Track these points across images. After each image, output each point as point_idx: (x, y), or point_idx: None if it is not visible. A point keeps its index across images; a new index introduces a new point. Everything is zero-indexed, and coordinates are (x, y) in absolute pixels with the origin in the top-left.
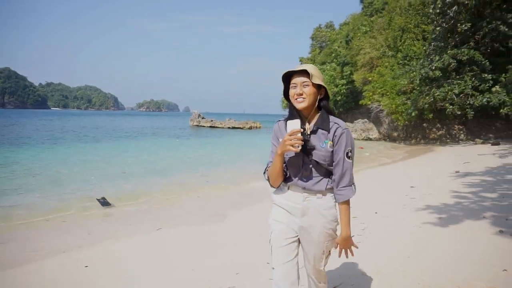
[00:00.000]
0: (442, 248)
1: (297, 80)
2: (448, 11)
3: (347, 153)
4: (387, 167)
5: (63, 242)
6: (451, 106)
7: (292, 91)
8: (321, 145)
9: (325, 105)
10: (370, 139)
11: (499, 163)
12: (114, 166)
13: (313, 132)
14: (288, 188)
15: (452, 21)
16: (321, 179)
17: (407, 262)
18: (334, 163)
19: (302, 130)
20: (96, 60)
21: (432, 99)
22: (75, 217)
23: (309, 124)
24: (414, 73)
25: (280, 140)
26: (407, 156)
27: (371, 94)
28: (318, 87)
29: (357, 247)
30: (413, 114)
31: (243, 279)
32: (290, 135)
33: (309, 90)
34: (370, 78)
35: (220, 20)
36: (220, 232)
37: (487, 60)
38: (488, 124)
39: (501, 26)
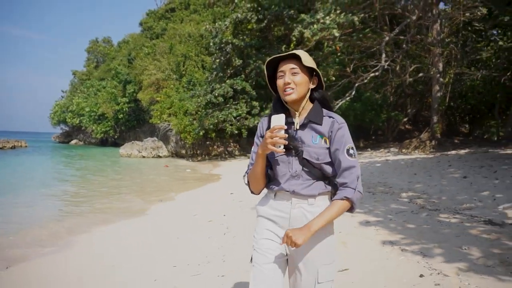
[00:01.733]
0: None
1: (285, 67)
2: (225, 48)
3: (348, 150)
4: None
5: None
6: (230, 127)
7: (279, 81)
8: (313, 141)
9: (319, 96)
10: (160, 157)
11: None
12: None
13: (303, 126)
14: (275, 195)
15: (228, 56)
16: (313, 182)
17: None
18: (335, 164)
19: (285, 126)
20: None
21: (216, 121)
22: None
23: (299, 117)
24: (201, 98)
25: None
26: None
27: (159, 113)
28: (310, 74)
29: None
30: (200, 133)
31: None
32: (271, 132)
33: (299, 79)
34: (158, 99)
35: None
36: None
37: (254, 90)
38: None
39: (261, 65)
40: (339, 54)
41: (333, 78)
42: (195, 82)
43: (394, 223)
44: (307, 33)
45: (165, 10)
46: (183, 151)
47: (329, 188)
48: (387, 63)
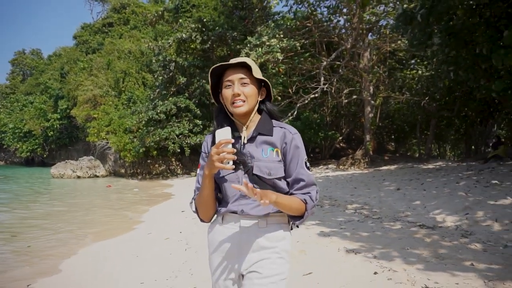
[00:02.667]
0: None
1: (233, 76)
2: (168, 65)
3: (306, 163)
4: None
5: None
6: (173, 144)
7: (227, 91)
8: (264, 154)
9: (267, 108)
10: (97, 176)
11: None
12: None
13: (252, 139)
14: (222, 219)
15: (171, 74)
16: None
17: None
18: (290, 179)
19: (232, 140)
20: None
21: (158, 138)
22: None
23: (247, 130)
24: (142, 114)
25: None
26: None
27: (96, 131)
28: (259, 86)
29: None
30: (141, 151)
31: None
32: (217, 148)
33: (250, 90)
34: (95, 115)
35: None
36: None
37: (198, 109)
38: (197, 160)
39: (205, 84)
40: (282, 75)
41: (279, 98)
42: (135, 100)
43: (346, 231)
44: (253, 55)
45: (102, 24)
46: (123, 170)
47: None
48: (326, 86)
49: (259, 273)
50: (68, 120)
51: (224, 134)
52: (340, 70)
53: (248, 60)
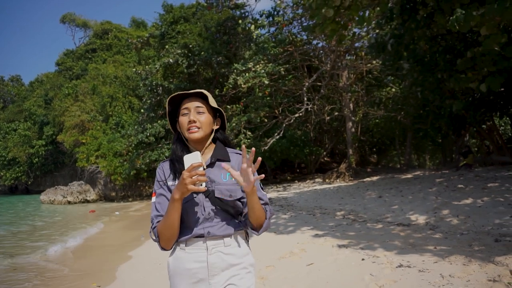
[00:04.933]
0: None
1: (189, 104)
2: (156, 89)
3: (260, 184)
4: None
5: None
6: None
7: (183, 119)
8: (223, 178)
9: (221, 137)
10: (88, 201)
11: None
12: None
13: (211, 165)
14: (186, 244)
15: (158, 97)
16: (228, 220)
17: None
18: (245, 200)
19: (203, 163)
20: None
21: (148, 160)
22: None
23: (204, 156)
24: (132, 137)
25: (171, 184)
26: None
27: (85, 156)
28: (214, 115)
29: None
30: (131, 173)
31: None
32: (189, 171)
33: (205, 119)
34: (83, 140)
35: None
36: None
37: None
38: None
39: None
40: (268, 98)
41: (265, 120)
42: (123, 124)
43: (337, 232)
44: (240, 80)
45: (84, 50)
46: (113, 193)
47: (242, 225)
48: (309, 106)
49: (236, 286)
50: (53, 146)
51: (194, 158)
52: (322, 90)
53: (205, 91)
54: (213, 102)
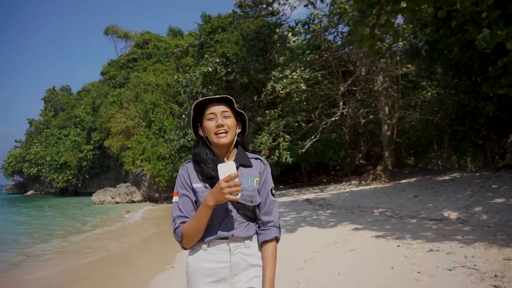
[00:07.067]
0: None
1: (216, 109)
2: (196, 96)
3: (272, 189)
4: None
5: None
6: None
7: (210, 124)
8: (246, 184)
9: (241, 141)
10: (134, 202)
11: None
12: None
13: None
14: (208, 245)
15: None
16: (248, 223)
17: None
18: (259, 203)
19: (238, 174)
20: None
21: None
22: None
23: (228, 161)
24: (175, 142)
25: (196, 186)
26: None
27: (131, 159)
28: (237, 119)
29: None
30: (174, 175)
31: None
32: (226, 181)
33: (231, 122)
34: (129, 145)
35: None
36: None
37: None
38: None
39: None
40: (305, 103)
41: (303, 124)
42: (165, 129)
43: (374, 226)
44: (279, 87)
45: (126, 59)
46: (157, 195)
47: (256, 229)
48: (345, 110)
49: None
50: (100, 150)
51: (229, 168)
52: (357, 94)
53: (229, 96)
54: (237, 106)
